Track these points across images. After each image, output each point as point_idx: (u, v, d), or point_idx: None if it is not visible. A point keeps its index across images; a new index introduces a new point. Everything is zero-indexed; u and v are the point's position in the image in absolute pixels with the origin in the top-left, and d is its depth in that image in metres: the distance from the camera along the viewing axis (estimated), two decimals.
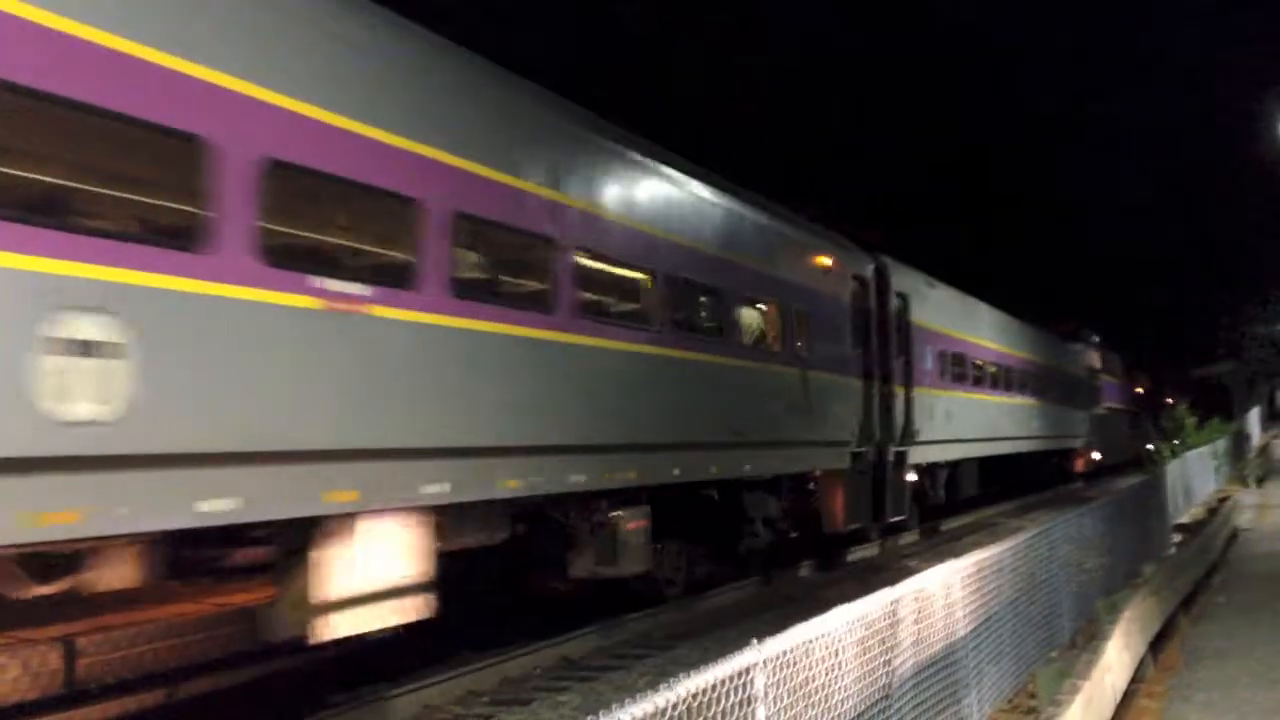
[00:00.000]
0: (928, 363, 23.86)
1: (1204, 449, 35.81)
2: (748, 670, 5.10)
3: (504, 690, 11.69)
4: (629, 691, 6.11)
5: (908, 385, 22.20)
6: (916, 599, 7.68)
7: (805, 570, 19.88)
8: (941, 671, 8.12)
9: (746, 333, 16.10)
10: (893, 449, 21.02)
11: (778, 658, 5.40)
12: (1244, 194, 63.57)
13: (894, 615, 7.19)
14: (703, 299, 14.86)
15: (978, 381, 28.42)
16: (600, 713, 4.03)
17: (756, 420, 15.88)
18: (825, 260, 18.76)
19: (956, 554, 9.40)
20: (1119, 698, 9.82)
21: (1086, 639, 11.84)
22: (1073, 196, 79.72)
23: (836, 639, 6.19)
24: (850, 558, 21.41)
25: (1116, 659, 10.01)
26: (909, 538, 24.69)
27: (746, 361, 15.76)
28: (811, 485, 18.89)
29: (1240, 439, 48.12)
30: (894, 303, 21.86)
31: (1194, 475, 30.69)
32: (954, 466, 26.48)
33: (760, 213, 16.90)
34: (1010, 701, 10.04)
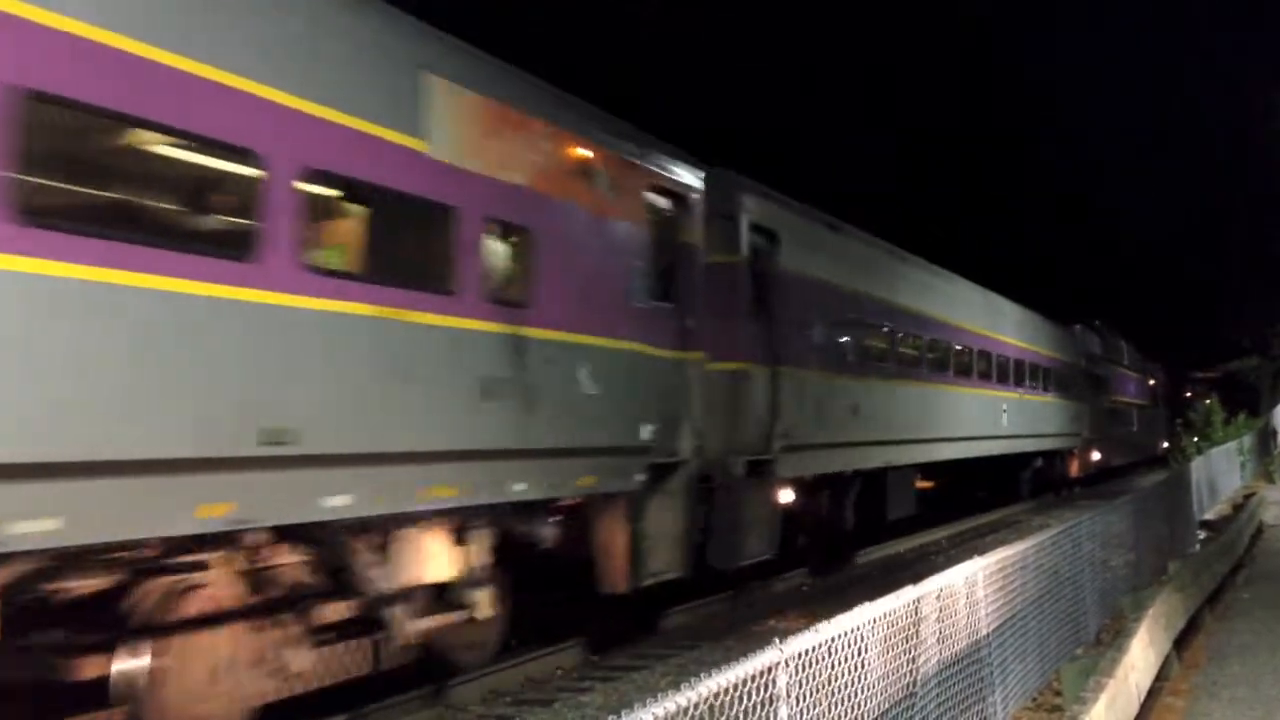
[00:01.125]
0: (817, 334, 17.44)
1: (1229, 445, 35.59)
2: (770, 669, 5.09)
3: (527, 690, 11.70)
4: (651, 691, 6.11)
5: (774, 364, 15.70)
6: (939, 597, 7.65)
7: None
8: (966, 669, 8.09)
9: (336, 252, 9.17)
10: (742, 459, 14.74)
11: (800, 656, 5.38)
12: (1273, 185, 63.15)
13: (917, 613, 7.17)
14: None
15: (911, 364, 21.83)
16: (623, 712, 4.03)
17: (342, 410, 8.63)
18: (576, 152, 11.57)
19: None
20: (1144, 695, 9.77)
21: (1111, 636, 11.79)
22: (1101, 186, 79.35)
23: (860, 637, 6.17)
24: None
25: (1141, 656, 9.95)
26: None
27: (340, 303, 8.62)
28: (568, 518, 12.10)
29: (1266, 435, 47.75)
30: (747, 241, 15.25)
31: (1219, 471, 30.51)
32: (869, 478, 19.74)
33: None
34: (1034, 699, 10.01)
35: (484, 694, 11.38)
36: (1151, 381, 56.20)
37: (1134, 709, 9.26)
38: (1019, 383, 30.06)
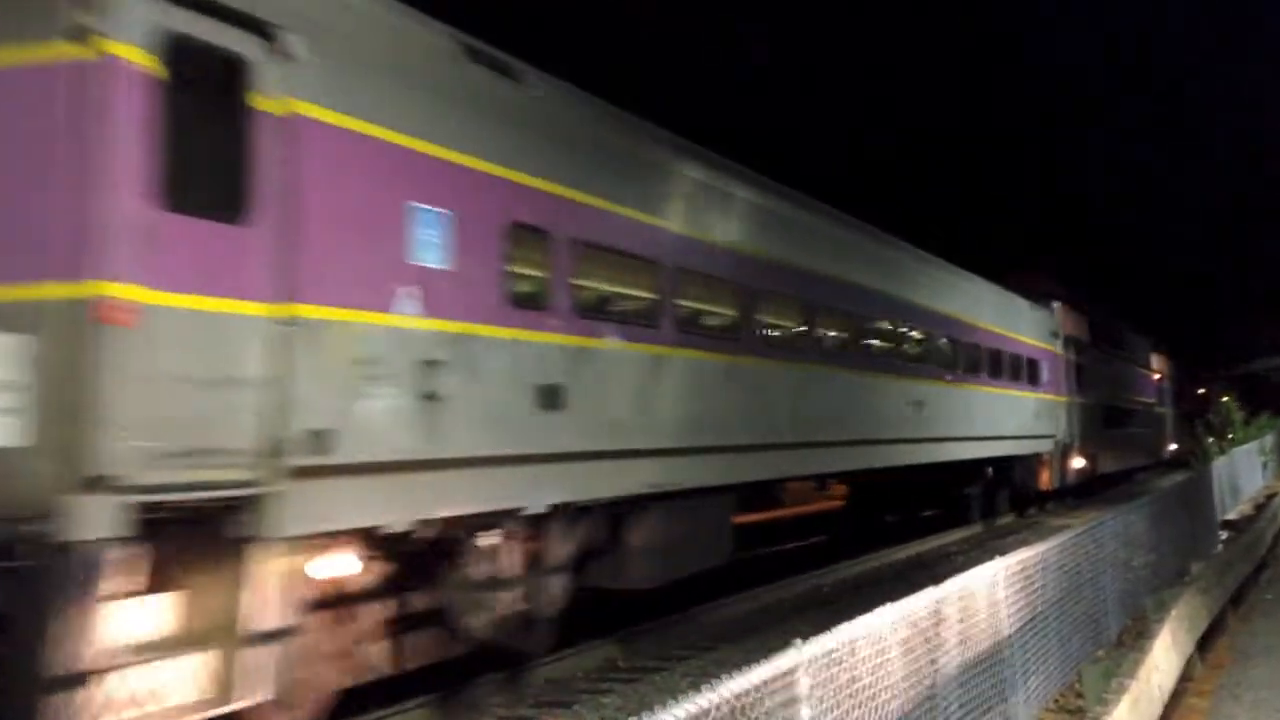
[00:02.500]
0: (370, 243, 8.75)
1: (1251, 445, 35.41)
2: (791, 671, 5.08)
3: (547, 691, 11.70)
4: (672, 693, 6.10)
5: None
6: (960, 598, 7.63)
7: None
8: (988, 670, 8.06)
9: None
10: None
11: (821, 657, 5.37)
12: None
13: (938, 614, 7.15)
14: None
15: (686, 326, 13.20)
16: (643, 714, 4.02)
17: None
18: None
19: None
20: (1167, 697, 9.73)
21: (1133, 637, 11.74)
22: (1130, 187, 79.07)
23: (881, 638, 6.16)
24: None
25: (1164, 658, 9.91)
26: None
27: None
28: None
29: None
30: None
31: (1241, 471, 30.37)
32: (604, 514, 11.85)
33: None
34: (1056, 701, 9.96)
35: (504, 695, 11.38)
36: (1156, 376, 50.66)
37: (1157, 711, 9.22)
38: (949, 368, 22.54)
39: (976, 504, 26.44)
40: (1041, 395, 29.33)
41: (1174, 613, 11.06)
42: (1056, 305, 32.22)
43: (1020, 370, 27.76)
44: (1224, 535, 21.22)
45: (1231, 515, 24.77)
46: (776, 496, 21.68)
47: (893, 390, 19.45)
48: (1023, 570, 9.29)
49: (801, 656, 5.18)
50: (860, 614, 6.13)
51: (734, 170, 15.31)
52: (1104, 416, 36.21)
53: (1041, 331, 30.20)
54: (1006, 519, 28.15)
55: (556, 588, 11.20)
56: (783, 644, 5.27)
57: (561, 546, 11.21)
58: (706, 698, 4.34)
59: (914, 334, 21.13)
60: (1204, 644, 12.11)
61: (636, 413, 12.11)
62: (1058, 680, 10.13)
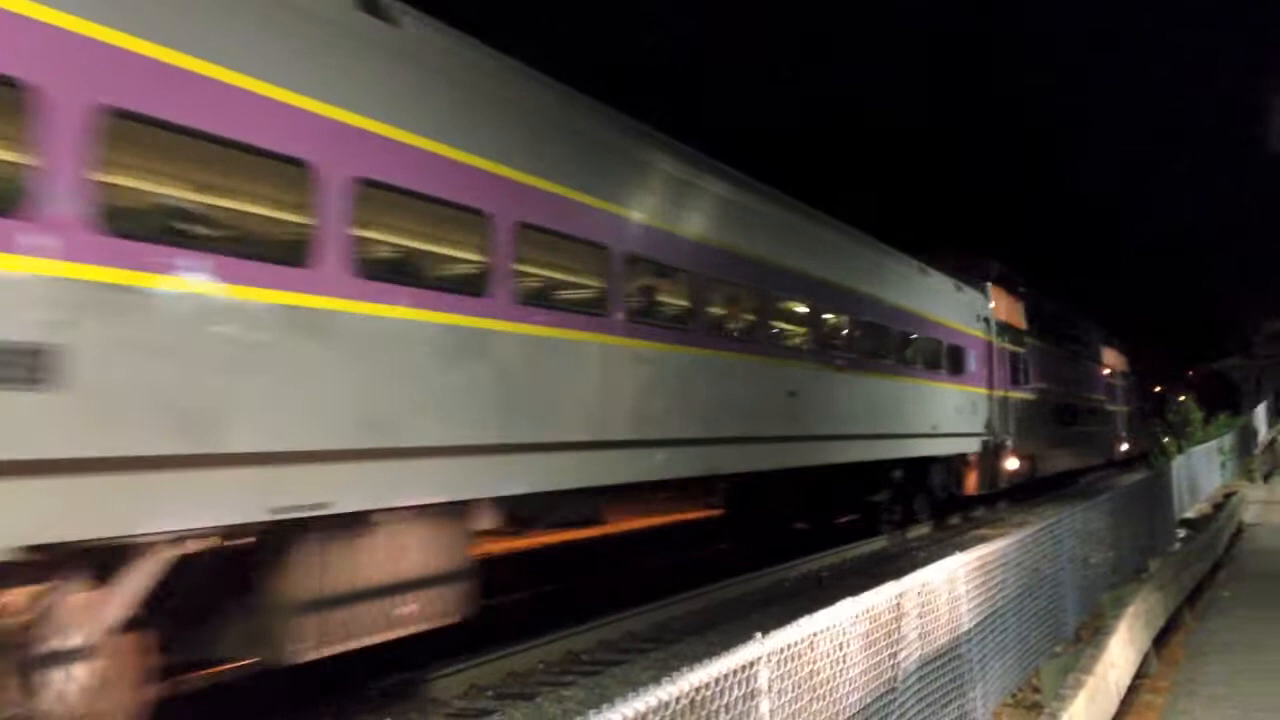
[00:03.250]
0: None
1: (1210, 444, 35.76)
2: (752, 664, 5.10)
3: (508, 684, 11.70)
4: (633, 685, 6.11)
5: None
6: (920, 593, 7.67)
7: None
8: (946, 665, 8.12)
9: None
10: None
11: (782, 651, 5.39)
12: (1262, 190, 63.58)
13: (899, 609, 7.19)
14: None
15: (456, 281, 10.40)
16: (604, 706, 4.03)
17: None
18: None
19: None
20: (1123, 692, 9.81)
21: (1091, 633, 11.84)
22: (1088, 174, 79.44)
23: (841, 632, 6.19)
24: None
25: (1121, 654, 10.00)
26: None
27: None
28: None
29: (1247, 434, 48.02)
30: None
31: (1200, 471, 30.66)
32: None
33: None
34: (1014, 696, 10.04)
35: (465, 688, 11.37)
36: (1107, 371, 48.39)
37: (1113, 706, 9.29)
38: (837, 350, 18.68)
39: (889, 511, 22.97)
40: (966, 388, 25.54)
41: (1131, 610, 11.16)
42: (990, 286, 28.36)
43: (938, 358, 23.88)
44: (1182, 534, 21.42)
45: (1190, 514, 25.01)
46: (590, 514, 18.76)
47: (753, 376, 15.50)
48: (983, 566, 9.36)
49: (762, 649, 5.20)
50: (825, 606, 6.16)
51: None
52: (1046, 414, 33.60)
53: (968, 315, 26.32)
54: (924, 529, 24.52)
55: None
56: (745, 637, 5.29)
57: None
58: (667, 690, 4.35)
59: (785, 305, 17.17)
60: (1160, 641, 12.23)
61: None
62: (1016, 675, 10.22)
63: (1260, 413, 56.12)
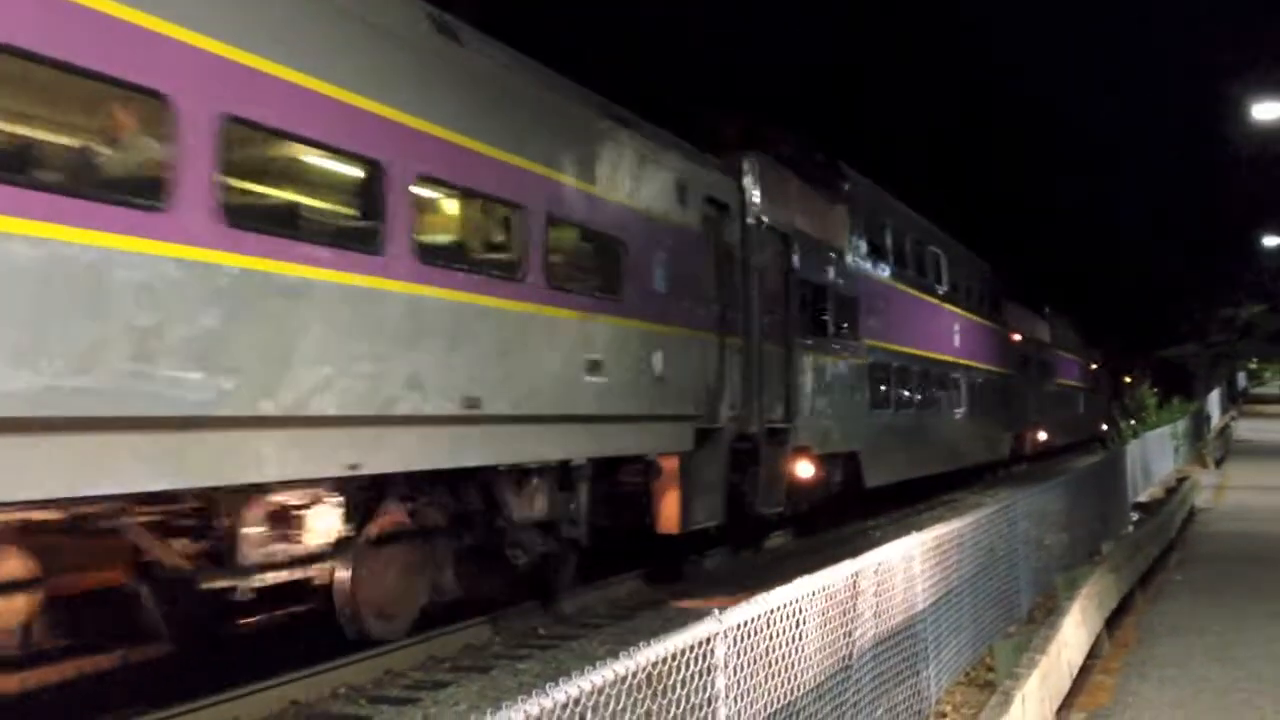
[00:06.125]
0: None
1: (1164, 429, 36.15)
2: (708, 640, 5.10)
3: (465, 657, 11.69)
4: (590, 660, 6.11)
5: None
6: (877, 571, 7.71)
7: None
8: (901, 644, 8.18)
9: None
10: None
11: (739, 628, 5.40)
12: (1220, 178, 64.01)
13: (855, 587, 7.22)
14: None
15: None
16: (560, 680, 4.02)
17: None
18: None
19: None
20: (1075, 672, 9.92)
21: (1044, 614, 11.95)
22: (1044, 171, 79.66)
23: (798, 610, 6.21)
24: None
25: (1073, 635, 10.10)
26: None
27: None
28: None
29: (1200, 419, 48.62)
30: None
31: (1153, 455, 30.98)
32: None
33: None
34: (968, 674, 10.14)
35: (423, 659, 11.35)
36: (1017, 336, 37.95)
37: (1065, 685, 9.39)
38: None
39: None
40: (652, 326, 13.68)
41: (1084, 591, 11.26)
42: (752, 162, 16.90)
43: (529, 265, 11.48)
44: (1135, 517, 21.66)
45: (1143, 498, 25.29)
46: None
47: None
48: (939, 546, 9.43)
49: (719, 626, 5.20)
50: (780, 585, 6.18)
51: None
52: (872, 383, 22.35)
53: (664, 193, 14.18)
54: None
55: None
56: (702, 614, 5.29)
57: None
58: (624, 664, 4.34)
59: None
60: (1112, 623, 12.36)
61: None
62: (970, 654, 10.31)
63: (1214, 399, 56.86)
